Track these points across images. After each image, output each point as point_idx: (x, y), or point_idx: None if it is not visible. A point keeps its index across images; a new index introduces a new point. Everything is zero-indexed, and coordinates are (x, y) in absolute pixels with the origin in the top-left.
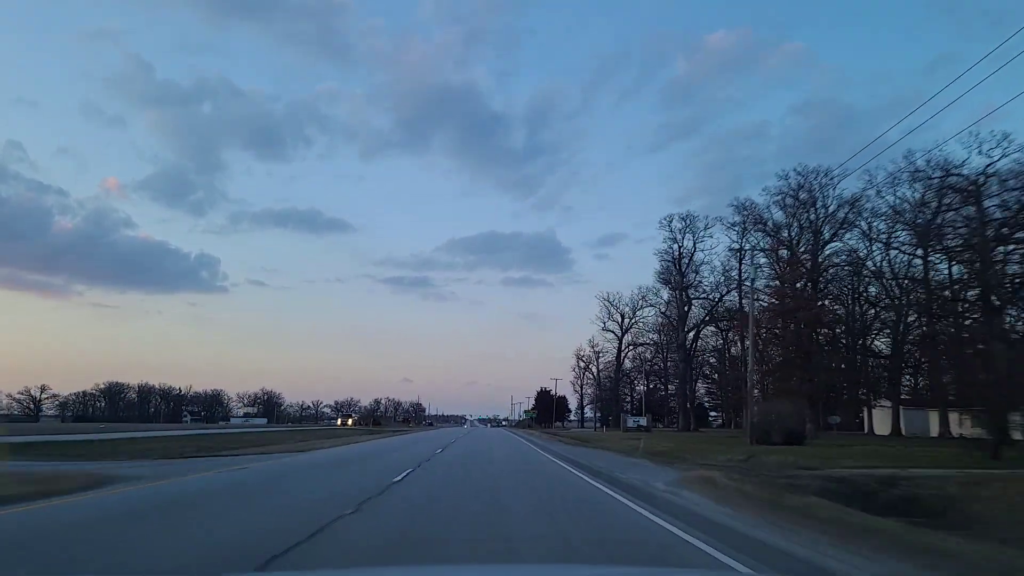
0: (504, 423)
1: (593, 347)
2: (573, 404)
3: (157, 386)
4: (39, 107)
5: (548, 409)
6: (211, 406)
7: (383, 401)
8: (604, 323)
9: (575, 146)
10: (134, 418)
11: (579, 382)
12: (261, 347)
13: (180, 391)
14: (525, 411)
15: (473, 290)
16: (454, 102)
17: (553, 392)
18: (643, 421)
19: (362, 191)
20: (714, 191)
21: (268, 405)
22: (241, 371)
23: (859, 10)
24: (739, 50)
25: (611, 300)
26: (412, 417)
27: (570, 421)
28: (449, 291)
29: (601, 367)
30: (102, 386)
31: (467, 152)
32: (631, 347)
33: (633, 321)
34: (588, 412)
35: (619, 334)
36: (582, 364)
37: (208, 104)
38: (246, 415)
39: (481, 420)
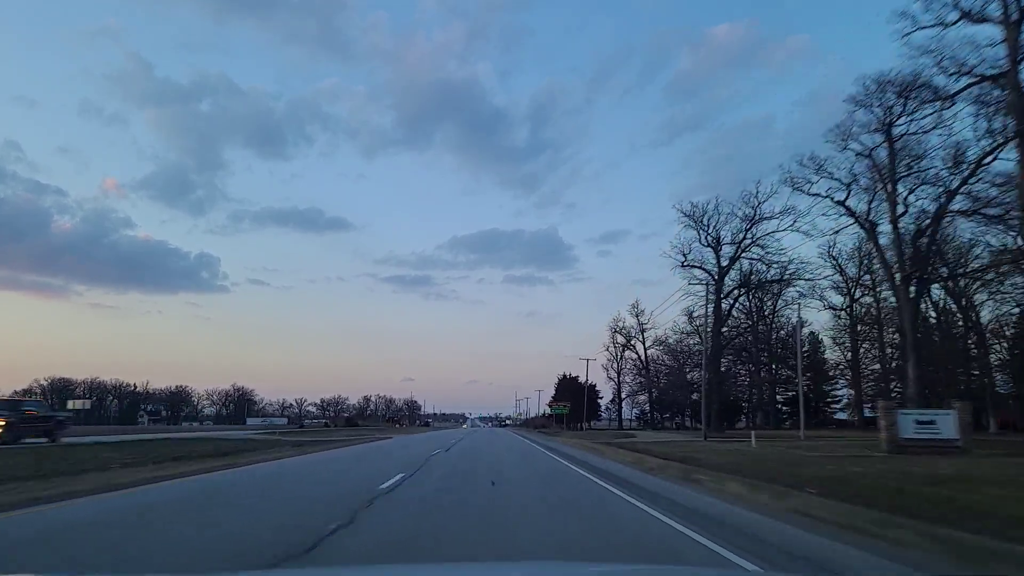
0: (508, 422)
1: (638, 315)
2: (601, 397)
3: (109, 382)
4: (38, 106)
5: (576, 403)
6: (175, 405)
7: (373, 398)
8: (684, 254)
9: (578, 143)
10: (78, 420)
11: (615, 365)
12: (259, 346)
13: (135, 387)
14: (551, 406)
15: (475, 288)
16: (456, 99)
17: (584, 381)
18: (949, 421)
19: (363, 189)
20: (719, 187)
21: (239, 404)
22: (231, 370)
23: (864, 1)
24: (743, 43)
25: (697, 215)
26: (404, 416)
27: (599, 420)
28: (451, 290)
29: (650, 343)
30: (44, 382)
31: (469, 149)
32: (742, 291)
33: (745, 242)
34: (626, 408)
35: (714, 269)
36: (620, 341)
37: (208, 102)
38: (219, 415)
39: (482, 419)
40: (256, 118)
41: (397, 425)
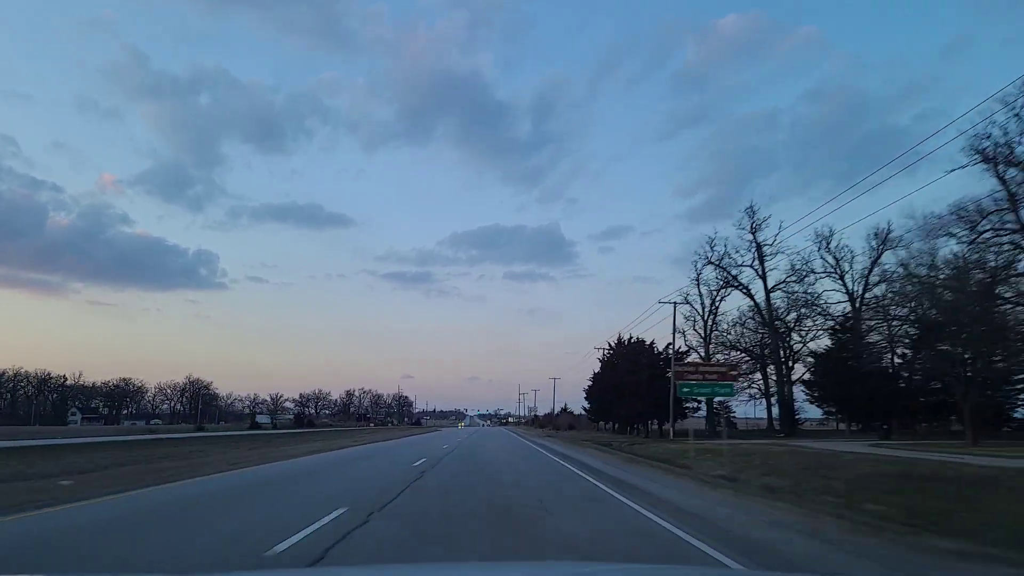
0: (509, 420)
1: (755, 228)
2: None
3: (33, 373)
4: (33, 100)
5: (645, 386)
6: (118, 401)
7: (356, 393)
8: None
9: (581, 137)
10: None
11: (703, 324)
12: (254, 344)
13: (65, 380)
14: (589, 395)
15: (475, 285)
16: (458, 91)
17: (667, 349)
18: None
19: (364, 185)
20: (722, 181)
21: (195, 399)
22: (231, 368)
23: None
24: (750, 35)
25: None
26: (393, 414)
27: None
28: (451, 286)
29: (775, 283)
30: None
31: (471, 143)
32: None
33: None
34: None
35: None
36: (717, 278)
37: (206, 96)
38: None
39: (482, 416)
40: (255, 112)
41: (371, 424)
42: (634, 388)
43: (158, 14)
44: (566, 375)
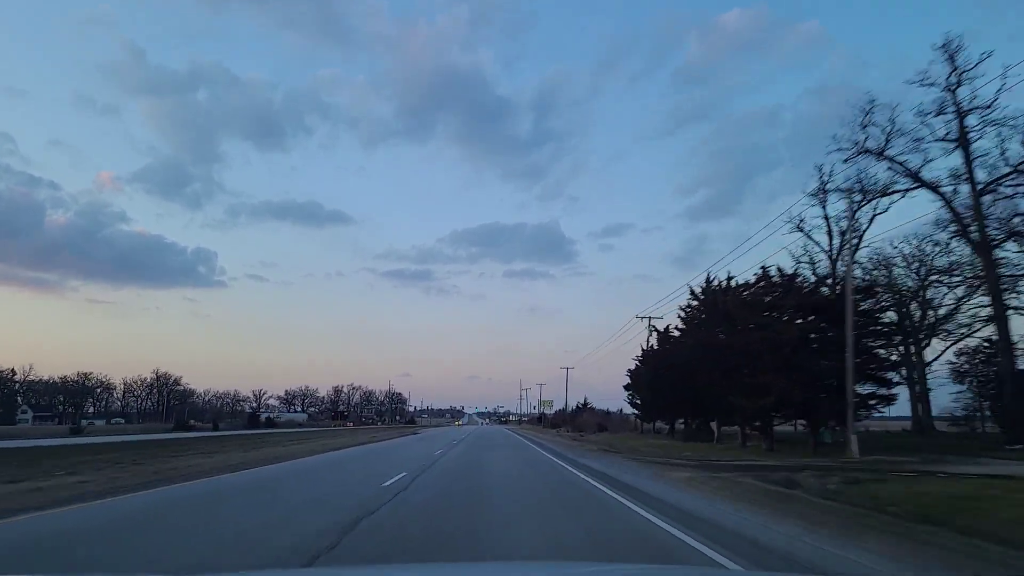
0: (510, 419)
1: (949, 75)
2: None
3: None
4: (30, 97)
5: (774, 353)
6: (78, 398)
7: (345, 389)
8: None
9: (582, 134)
10: None
11: (830, 260)
12: (253, 343)
13: (13, 373)
14: (633, 380)
15: (475, 283)
16: (459, 88)
17: (817, 285)
18: None
19: (363, 183)
20: (723, 179)
21: (162, 395)
22: (226, 367)
23: None
24: (753, 31)
25: None
26: (384, 413)
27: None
28: (451, 284)
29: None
30: None
31: (471, 140)
32: None
33: None
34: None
35: None
36: (883, 180)
37: (205, 92)
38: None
39: (480, 415)
40: (254, 109)
41: (349, 424)
42: (765, 357)
43: (156, 10)
44: (571, 373)
